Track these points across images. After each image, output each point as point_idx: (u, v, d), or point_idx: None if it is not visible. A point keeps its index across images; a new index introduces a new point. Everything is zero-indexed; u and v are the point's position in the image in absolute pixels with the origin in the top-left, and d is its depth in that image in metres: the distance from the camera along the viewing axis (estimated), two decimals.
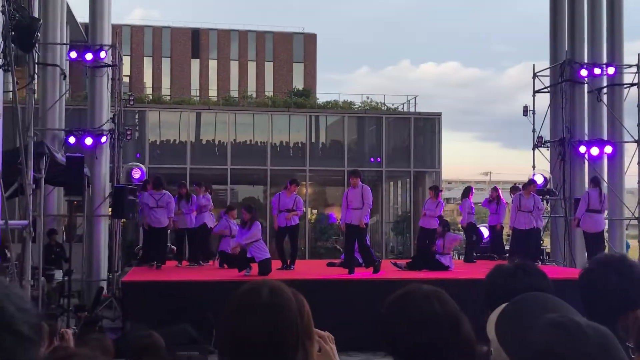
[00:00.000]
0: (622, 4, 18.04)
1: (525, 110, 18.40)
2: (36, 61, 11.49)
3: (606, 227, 16.95)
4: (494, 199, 16.30)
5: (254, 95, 39.36)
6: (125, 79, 35.02)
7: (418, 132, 29.87)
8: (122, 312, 11.61)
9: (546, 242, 18.59)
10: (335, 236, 28.36)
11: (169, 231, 15.20)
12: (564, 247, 16.73)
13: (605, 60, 17.51)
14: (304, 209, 17.49)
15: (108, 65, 16.01)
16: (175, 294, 11.04)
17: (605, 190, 16.00)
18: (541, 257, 16.32)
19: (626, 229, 18.30)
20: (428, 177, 29.45)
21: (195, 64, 42.66)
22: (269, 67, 43.22)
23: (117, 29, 18.49)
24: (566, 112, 17.19)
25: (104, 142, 15.77)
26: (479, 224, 18.15)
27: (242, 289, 1.90)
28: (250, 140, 28.97)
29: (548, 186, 17.51)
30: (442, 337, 1.89)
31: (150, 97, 34.29)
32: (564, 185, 16.94)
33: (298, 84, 41.29)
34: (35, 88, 11.10)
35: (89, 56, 15.61)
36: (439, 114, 30.29)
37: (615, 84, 17.62)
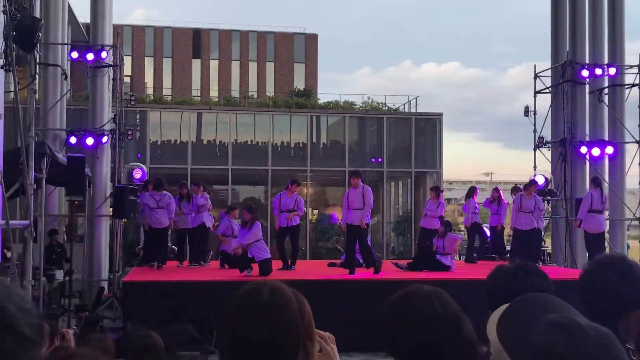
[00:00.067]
0: (624, 5, 18.04)
1: (527, 111, 18.40)
2: (37, 61, 11.49)
3: (607, 227, 16.95)
4: (495, 200, 16.30)
5: (255, 96, 39.37)
6: (127, 79, 35.03)
7: (419, 133, 29.86)
8: (123, 312, 11.61)
9: (547, 243, 18.59)
10: (336, 236, 28.36)
11: (169, 231, 15.21)
12: (565, 248, 16.73)
13: (606, 60, 17.51)
14: (305, 209, 17.48)
15: (109, 66, 16.03)
16: (176, 294, 11.04)
17: (606, 190, 15.99)
18: (542, 258, 16.32)
19: (627, 230, 18.29)
20: (429, 178, 29.45)
21: (196, 64, 42.67)
22: (270, 67, 43.23)
23: (118, 29, 18.49)
24: (567, 112, 17.19)
25: (105, 142, 15.78)
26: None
27: (242, 289, 1.90)
28: (251, 141, 28.97)
29: (549, 187, 17.51)
30: (443, 338, 1.89)
31: (152, 97, 34.29)
32: (565, 185, 16.93)
33: (299, 84, 41.29)
34: (37, 88, 11.10)
35: (90, 56, 15.62)
36: (440, 115, 30.28)
37: (617, 84, 17.63)
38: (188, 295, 11.02)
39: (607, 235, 16.96)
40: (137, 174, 17.25)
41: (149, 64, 42.25)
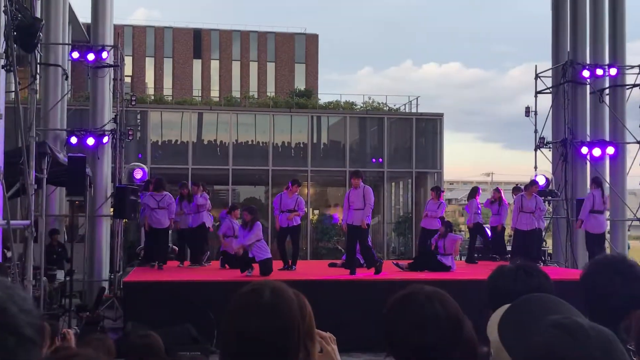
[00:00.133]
0: (624, 5, 18.03)
1: (528, 111, 18.39)
2: (38, 61, 11.48)
3: (608, 227, 16.94)
4: (496, 200, 16.30)
5: (256, 96, 39.36)
6: (127, 79, 35.03)
7: (420, 133, 29.84)
8: (124, 312, 11.61)
9: (548, 243, 18.59)
10: (337, 237, 28.35)
11: (170, 232, 15.21)
12: (566, 248, 16.73)
13: (607, 61, 17.51)
14: (306, 209, 17.49)
15: (110, 66, 16.03)
16: (177, 294, 11.04)
17: (607, 190, 15.99)
18: (543, 258, 16.32)
19: (628, 230, 18.29)
20: (430, 178, 29.43)
21: (197, 64, 42.68)
22: (270, 67, 43.23)
23: (119, 29, 18.51)
24: (568, 113, 17.19)
25: (106, 143, 15.79)
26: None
27: (243, 289, 1.90)
28: (252, 141, 28.96)
29: (550, 187, 17.51)
30: (444, 338, 1.89)
31: (152, 98, 34.30)
32: (565, 186, 16.93)
33: (300, 84, 41.29)
34: (38, 88, 11.08)
35: (91, 56, 15.62)
36: (441, 115, 30.26)
37: (618, 85, 17.62)
38: (189, 295, 11.01)
39: (607, 235, 16.96)
40: (138, 174, 17.26)
41: (149, 64, 42.26)
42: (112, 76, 16.35)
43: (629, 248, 20.41)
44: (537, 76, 18.43)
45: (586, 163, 17.19)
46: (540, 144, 17.91)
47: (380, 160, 29.04)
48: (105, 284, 15.09)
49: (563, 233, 16.99)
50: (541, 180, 17.11)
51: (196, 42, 42.68)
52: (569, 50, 17.73)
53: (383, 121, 29.46)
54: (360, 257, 12.85)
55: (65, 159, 12.93)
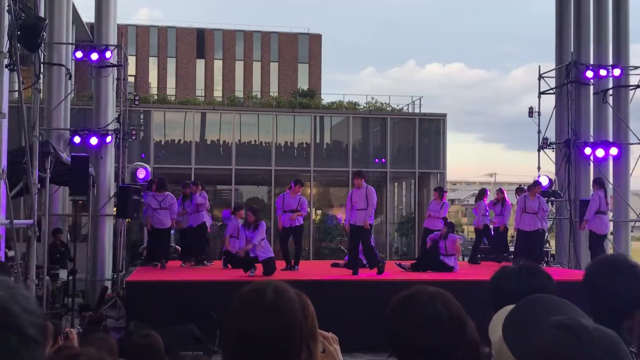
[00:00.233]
0: (628, 6, 18.00)
1: (531, 112, 18.36)
2: (42, 61, 11.49)
3: (611, 229, 16.92)
4: (499, 201, 16.28)
5: (259, 96, 39.38)
6: (131, 79, 35.05)
7: (423, 133, 29.83)
8: (126, 311, 11.62)
9: (551, 244, 18.57)
10: (340, 237, 28.34)
11: (172, 231, 15.22)
12: (569, 249, 16.71)
13: (611, 61, 17.48)
14: (308, 209, 17.50)
15: (113, 65, 16.05)
16: (179, 294, 11.04)
17: (610, 191, 15.98)
18: (545, 259, 16.30)
19: (631, 231, 18.26)
20: (433, 178, 29.42)
21: (200, 64, 42.72)
22: (274, 67, 43.25)
23: (122, 29, 18.53)
24: (572, 113, 17.16)
25: (109, 142, 15.80)
26: None
27: (245, 289, 1.90)
28: (255, 141, 28.97)
29: (553, 188, 17.48)
30: (447, 339, 1.89)
31: (155, 97, 34.34)
32: (569, 187, 16.90)
33: (303, 84, 41.30)
34: (41, 88, 11.10)
35: (94, 56, 15.64)
36: (444, 115, 30.24)
37: (621, 85, 17.59)
38: (191, 295, 11.02)
39: (610, 236, 16.93)
40: (141, 174, 17.28)
41: (153, 63, 42.30)
42: (116, 76, 16.37)
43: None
44: (540, 77, 18.40)
45: (589, 164, 17.16)
46: (543, 144, 17.88)
47: (383, 160, 29.04)
48: (108, 284, 15.10)
49: (566, 234, 16.97)
50: (544, 181, 17.09)
51: (199, 42, 42.72)
52: (572, 50, 17.70)
53: (386, 121, 29.46)
54: (363, 258, 12.85)
55: (69, 158, 12.95)
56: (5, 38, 8.49)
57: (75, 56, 16.33)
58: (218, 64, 42.85)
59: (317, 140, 29.47)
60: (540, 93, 18.39)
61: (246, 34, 43.22)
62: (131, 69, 34.94)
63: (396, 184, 32.22)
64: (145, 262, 14.58)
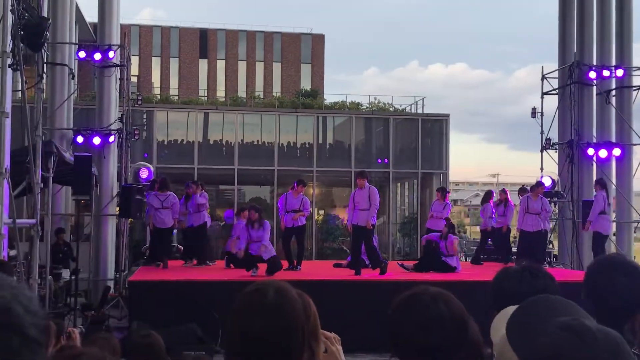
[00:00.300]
0: (632, 6, 17.99)
1: (534, 112, 18.35)
2: (45, 60, 11.53)
3: (613, 229, 16.92)
4: (502, 201, 16.27)
5: (262, 96, 39.39)
6: (134, 79, 35.09)
7: (426, 134, 29.82)
8: (129, 311, 11.63)
9: (554, 245, 18.54)
10: (342, 237, 28.34)
11: (175, 231, 15.23)
12: (572, 250, 16.69)
13: (614, 62, 17.46)
14: (311, 209, 17.50)
15: (116, 65, 16.06)
16: (182, 294, 11.05)
17: (613, 192, 15.98)
18: (548, 260, 16.28)
19: (634, 232, 18.25)
20: (435, 179, 29.40)
21: (203, 64, 42.74)
22: (276, 67, 43.26)
23: (125, 29, 18.55)
24: (574, 114, 17.14)
25: (112, 142, 15.81)
26: None
27: (247, 289, 1.90)
28: (258, 141, 28.98)
29: (556, 188, 17.46)
30: (449, 339, 1.89)
31: (158, 97, 34.36)
32: (572, 187, 16.89)
33: (306, 84, 41.30)
34: (44, 87, 11.14)
35: (97, 56, 15.66)
36: (447, 116, 30.22)
37: (624, 86, 17.58)
38: (193, 294, 11.02)
39: (613, 237, 16.92)
40: (144, 174, 17.28)
41: (156, 63, 42.34)
42: (119, 76, 16.39)
43: None
44: (543, 77, 18.38)
45: (592, 164, 17.14)
46: (546, 145, 17.86)
47: (386, 160, 29.03)
48: (111, 283, 15.11)
49: (569, 234, 16.95)
50: (547, 182, 17.07)
51: (202, 42, 42.75)
52: (575, 51, 17.67)
53: (389, 122, 29.44)
54: (365, 258, 12.84)
55: (72, 158, 12.96)
56: (9, 38, 8.50)
57: (78, 56, 16.34)
58: (221, 64, 42.87)
59: (320, 141, 29.47)
60: (543, 94, 18.37)
61: (249, 34, 43.24)
62: (134, 69, 35.00)
63: (399, 184, 32.20)
64: (148, 262, 14.59)
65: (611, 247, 16.14)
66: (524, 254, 13.76)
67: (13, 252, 10.19)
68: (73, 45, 17.23)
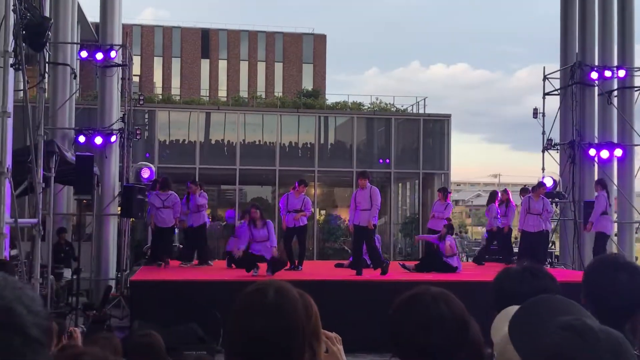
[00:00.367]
0: (634, 6, 17.97)
1: (535, 113, 18.34)
2: (47, 60, 11.52)
3: (615, 230, 16.91)
4: (504, 202, 16.26)
5: (264, 96, 39.39)
6: (135, 79, 35.10)
7: (427, 134, 29.79)
8: (130, 311, 11.63)
9: (556, 245, 18.53)
10: (344, 237, 28.33)
11: (176, 230, 15.23)
12: (573, 250, 16.68)
13: (616, 62, 17.44)
14: (312, 209, 17.47)
15: (118, 65, 16.07)
16: (183, 294, 11.05)
17: (614, 193, 15.97)
18: (550, 260, 16.27)
19: (635, 232, 18.23)
20: (437, 179, 29.38)
21: (205, 64, 42.75)
22: (278, 67, 43.26)
23: (127, 29, 18.55)
24: (576, 114, 17.13)
25: (114, 142, 15.82)
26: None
27: (247, 289, 1.90)
28: (259, 141, 28.97)
29: (557, 189, 17.45)
30: (450, 339, 1.89)
31: (160, 97, 34.36)
32: (573, 188, 16.88)
33: (307, 84, 41.29)
34: (46, 87, 11.12)
35: (99, 56, 15.67)
36: (449, 116, 30.20)
37: (626, 86, 17.56)
38: (195, 294, 11.03)
39: (615, 237, 16.91)
40: (146, 174, 17.29)
41: (157, 63, 42.35)
42: (121, 75, 16.40)
43: None
44: (545, 77, 18.37)
45: (594, 165, 17.13)
46: (547, 145, 17.85)
47: (388, 161, 29.01)
48: (112, 283, 15.12)
49: (570, 235, 16.94)
50: (549, 182, 17.06)
51: (204, 42, 42.76)
52: (577, 51, 17.66)
53: (390, 122, 29.42)
54: (366, 258, 12.83)
55: (73, 157, 12.97)
56: (11, 37, 8.50)
57: (80, 56, 16.36)
58: (223, 64, 42.88)
59: (322, 141, 29.45)
60: (545, 94, 18.36)
61: (251, 34, 43.25)
62: (136, 69, 35.01)
63: (400, 184, 32.19)
64: (150, 262, 14.60)
65: (613, 248, 16.12)
66: (525, 254, 13.76)
67: (15, 252, 10.19)
68: (75, 45, 17.25)
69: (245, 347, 1.81)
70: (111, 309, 13.21)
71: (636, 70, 17.75)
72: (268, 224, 12.27)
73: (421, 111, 31.37)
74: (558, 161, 17.94)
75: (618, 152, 16.87)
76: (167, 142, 28.00)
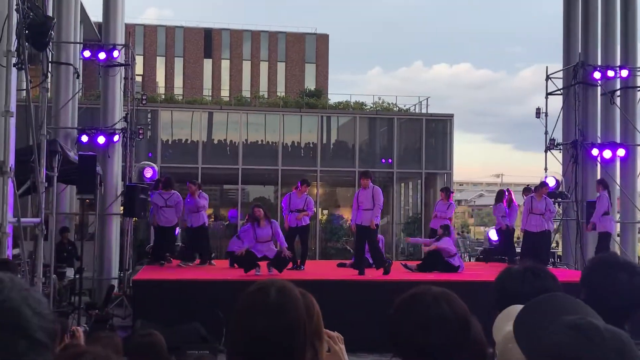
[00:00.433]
0: (637, 6, 17.94)
1: (538, 112, 18.32)
2: (50, 60, 11.52)
3: (617, 230, 16.88)
4: (506, 201, 16.25)
5: (266, 96, 39.38)
6: (138, 78, 35.15)
7: (430, 134, 29.79)
8: (133, 310, 11.64)
9: (558, 245, 18.52)
10: (346, 237, 28.33)
11: (178, 229, 15.24)
12: (576, 250, 16.67)
13: (618, 62, 17.42)
14: (315, 209, 17.49)
15: (121, 65, 16.08)
16: (186, 293, 11.06)
17: (617, 193, 15.96)
18: (552, 260, 16.25)
19: (638, 232, 18.21)
20: (439, 179, 29.37)
21: (207, 63, 42.77)
22: (281, 67, 43.26)
23: (130, 29, 18.57)
24: (579, 114, 17.12)
25: (117, 141, 15.84)
26: (489, 226, 18.10)
27: (250, 288, 1.90)
28: (262, 140, 28.98)
29: (560, 189, 17.44)
30: (451, 339, 1.89)
31: (163, 97, 34.37)
32: (576, 188, 16.86)
33: (310, 84, 41.28)
34: (49, 87, 11.13)
35: (102, 55, 15.68)
36: (451, 116, 30.18)
37: (629, 86, 17.54)
38: (198, 294, 11.04)
39: (617, 238, 16.89)
40: (148, 173, 17.30)
41: (160, 63, 42.38)
42: (123, 75, 16.40)
43: None
44: (548, 77, 18.36)
45: (597, 165, 17.11)
46: (550, 145, 17.84)
47: (390, 160, 29.00)
48: (115, 282, 15.14)
49: (573, 235, 16.93)
50: (551, 182, 17.04)
51: (207, 41, 42.77)
52: (580, 51, 17.65)
53: (393, 122, 29.41)
54: (369, 258, 12.83)
55: (76, 157, 12.98)
56: (14, 37, 8.51)
57: (83, 55, 16.37)
58: (225, 64, 42.89)
59: (324, 140, 29.46)
60: (548, 94, 18.35)
61: (253, 34, 43.25)
62: (139, 69, 35.04)
63: (403, 184, 32.18)
64: (152, 261, 14.60)
65: (615, 248, 16.10)
66: (528, 254, 13.75)
67: (17, 251, 10.20)
68: (78, 45, 17.26)
69: (248, 346, 1.81)
70: (114, 308, 13.22)
71: (639, 70, 17.72)
72: (274, 223, 12.22)
73: (424, 111, 31.36)
74: (561, 161, 17.92)
75: (621, 152, 16.85)
76: (170, 142, 28.02)
